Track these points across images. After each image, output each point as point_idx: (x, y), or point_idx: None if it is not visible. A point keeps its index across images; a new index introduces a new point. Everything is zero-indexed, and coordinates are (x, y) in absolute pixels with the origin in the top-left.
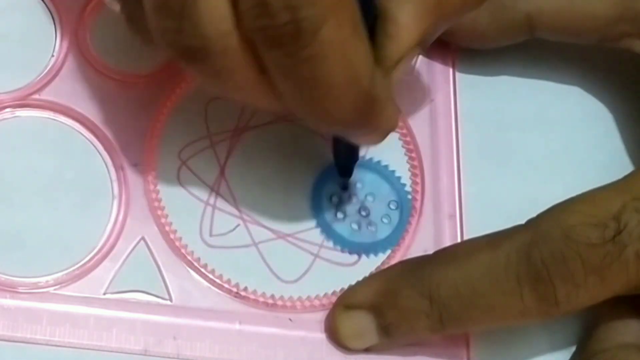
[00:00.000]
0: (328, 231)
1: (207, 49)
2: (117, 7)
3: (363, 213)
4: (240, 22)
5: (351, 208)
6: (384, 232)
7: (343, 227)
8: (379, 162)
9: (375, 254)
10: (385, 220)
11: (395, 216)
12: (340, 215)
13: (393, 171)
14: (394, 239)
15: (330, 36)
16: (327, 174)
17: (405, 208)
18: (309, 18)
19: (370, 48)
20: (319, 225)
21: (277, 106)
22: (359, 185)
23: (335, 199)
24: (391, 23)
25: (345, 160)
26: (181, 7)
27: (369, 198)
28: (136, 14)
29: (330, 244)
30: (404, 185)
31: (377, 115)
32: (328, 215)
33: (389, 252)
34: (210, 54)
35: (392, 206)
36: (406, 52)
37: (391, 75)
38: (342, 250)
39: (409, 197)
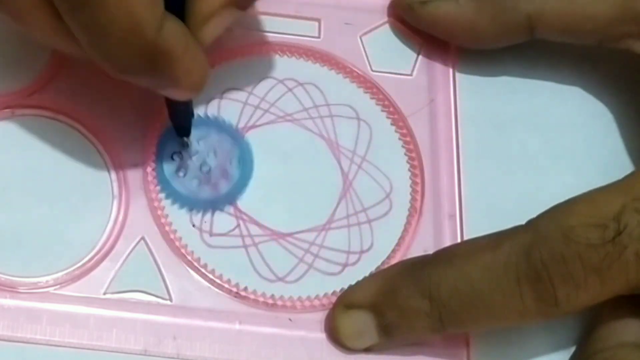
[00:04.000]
0: (168, 189)
1: None
2: None
3: (204, 169)
4: None
5: (192, 165)
6: (224, 188)
7: (183, 184)
8: (218, 118)
9: (219, 209)
10: (225, 177)
11: (235, 172)
12: (181, 173)
13: (231, 125)
14: (234, 195)
15: None
16: (170, 133)
17: (247, 160)
18: None
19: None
20: (159, 183)
21: (77, 51)
22: (201, 142)
23: (177, 157)
24: None
25: (180, 119)
26: None
27: (211, 155)
28: None
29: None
30: (242, 136)
31: (169, 67)
32: (168, 173)
33: (386, 254)
34: None
35: (234, 162)
36: (217, 9)
37: (202, 31)
38: (180, 207)
39: (251, 150)
